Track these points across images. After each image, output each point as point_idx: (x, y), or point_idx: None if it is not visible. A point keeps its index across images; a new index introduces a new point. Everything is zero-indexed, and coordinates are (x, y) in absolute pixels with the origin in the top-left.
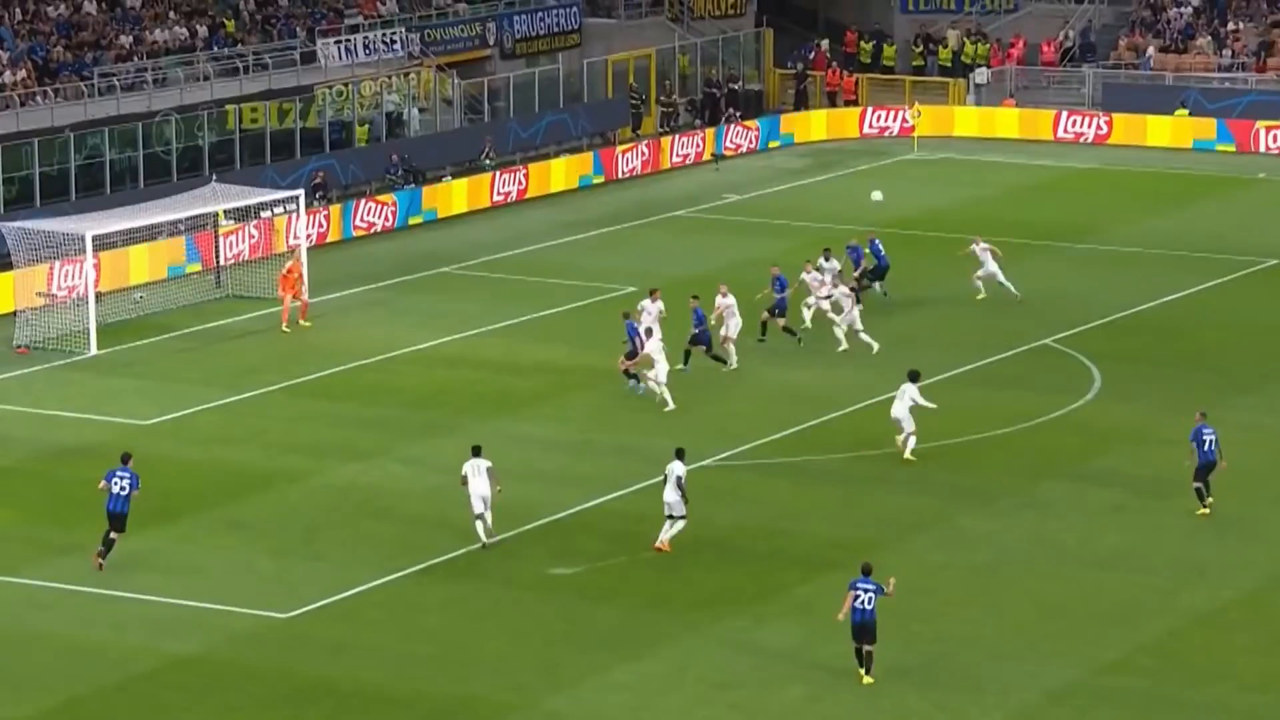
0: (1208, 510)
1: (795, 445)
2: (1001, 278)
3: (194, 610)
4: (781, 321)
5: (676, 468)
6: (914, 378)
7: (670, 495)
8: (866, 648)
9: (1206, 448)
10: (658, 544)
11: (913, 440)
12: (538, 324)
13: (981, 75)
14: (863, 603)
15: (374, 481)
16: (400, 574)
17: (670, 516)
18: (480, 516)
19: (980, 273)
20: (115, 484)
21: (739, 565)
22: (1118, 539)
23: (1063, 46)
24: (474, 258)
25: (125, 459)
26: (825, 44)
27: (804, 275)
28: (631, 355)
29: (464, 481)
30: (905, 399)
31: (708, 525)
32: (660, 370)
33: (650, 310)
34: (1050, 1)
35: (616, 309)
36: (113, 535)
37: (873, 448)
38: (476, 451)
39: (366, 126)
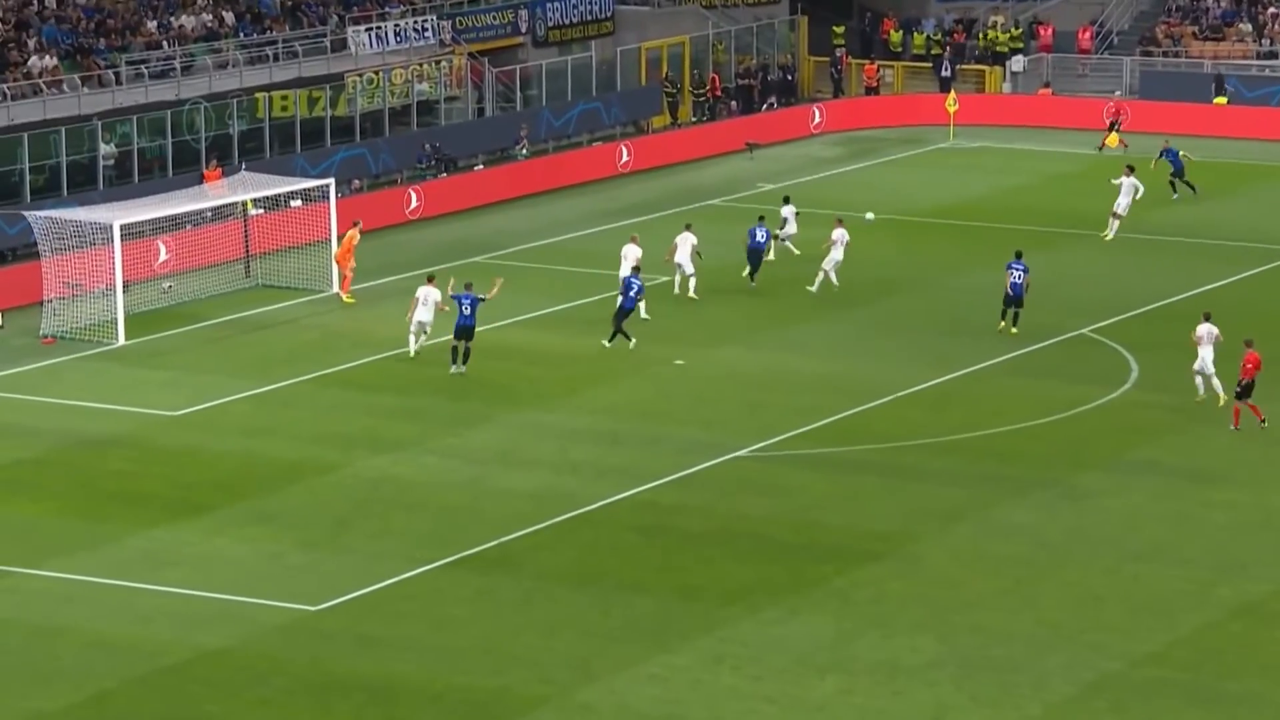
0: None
1: (831, 436)
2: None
3: (222, 603)
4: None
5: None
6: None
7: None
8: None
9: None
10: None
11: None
12: (569, 314)
13: (1018, 63)
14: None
15: (405, 473)
16: (431, 566)
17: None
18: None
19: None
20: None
21: (773, 557)
22: (1156, 531)
23: (1098, 34)
24: (504, 247)
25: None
26: (841, 29)
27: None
28: None
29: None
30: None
31: (741, 517)
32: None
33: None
34: None
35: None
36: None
37: (909, 438)
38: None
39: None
